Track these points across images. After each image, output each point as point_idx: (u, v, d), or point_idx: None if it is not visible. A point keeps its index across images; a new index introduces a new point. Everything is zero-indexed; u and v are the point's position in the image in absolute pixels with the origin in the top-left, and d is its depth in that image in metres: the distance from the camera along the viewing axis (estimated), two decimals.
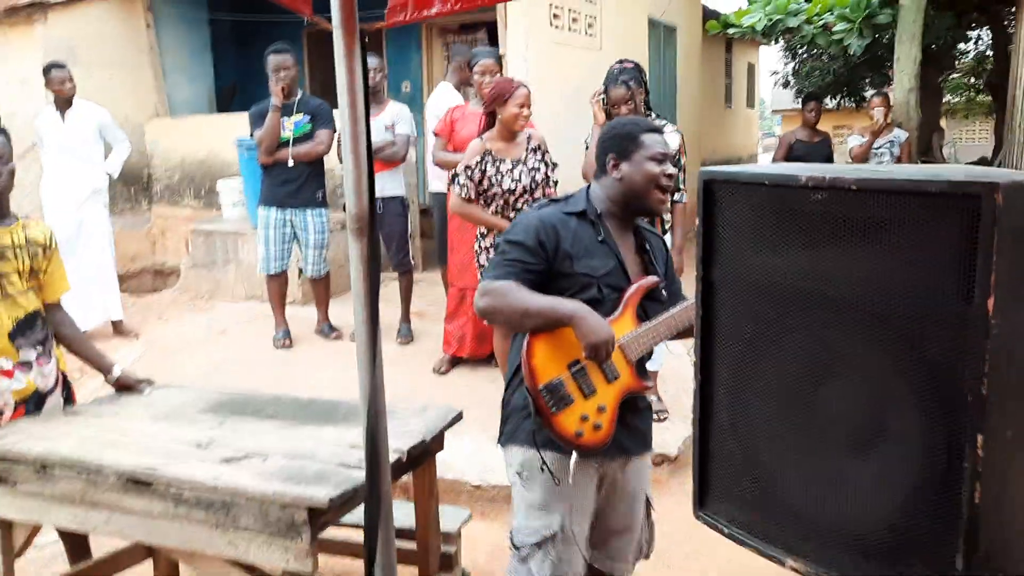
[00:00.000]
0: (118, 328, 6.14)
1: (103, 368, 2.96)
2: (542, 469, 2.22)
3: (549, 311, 2.17)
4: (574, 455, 2.24)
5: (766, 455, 1.49)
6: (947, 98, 14.96)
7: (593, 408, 2.20)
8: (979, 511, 1.19)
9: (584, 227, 2.31)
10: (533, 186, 4.02)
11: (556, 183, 4.15)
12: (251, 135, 5.58)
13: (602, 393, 2.22)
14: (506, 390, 2.42)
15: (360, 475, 2.14)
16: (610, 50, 7.33)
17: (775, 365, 1.45)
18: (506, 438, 2.38)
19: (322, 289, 5.81)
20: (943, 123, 14.34)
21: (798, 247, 1.37)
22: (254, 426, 2.61)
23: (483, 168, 4.03)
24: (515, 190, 4.00)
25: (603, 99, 4.21)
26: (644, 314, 2.32)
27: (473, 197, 4.06)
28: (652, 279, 2.35)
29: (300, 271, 6.17)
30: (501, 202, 4.03)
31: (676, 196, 4.21)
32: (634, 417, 2.35)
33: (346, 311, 6.10)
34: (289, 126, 5.41)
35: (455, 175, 4.12)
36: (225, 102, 9.18)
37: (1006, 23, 10.15)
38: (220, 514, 2.18)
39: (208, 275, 7.05)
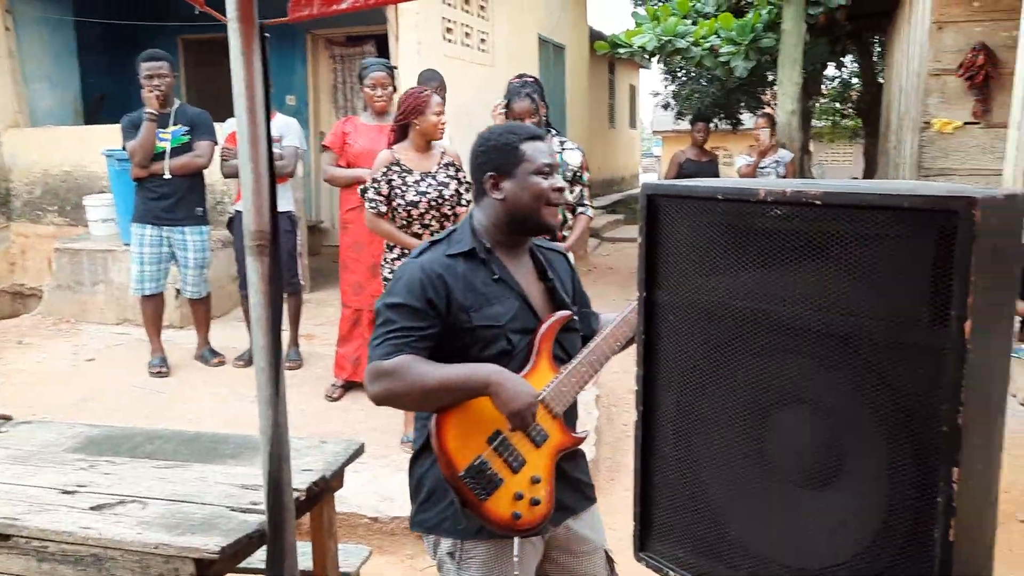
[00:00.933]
0: None
1: None
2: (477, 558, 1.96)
3: (460, 385, 1.85)
4: (516, 540, 1.96)
5: (715, 491, 1.39)
6: (812, 122, 15.79)
7: (526, 482, 1.90)
8: (952, 550, 1.12)
9: (474, 268, 1.97)
10: (440, 201, 3.86)
11: (469, 203, 4.00)
12: (123, 147, 5.24)
13: (533, 462, 1.92)
14: (413, 463, 2.07)
15: (254, 520, 1.99)
16: (502, 66, 7.29)
17: (725, 393, 1.35)
18: (427, 528, 2.02)
19: (202, 311, 5.49)
20: (811, 146, 15.07)
21: (753, 267, 1.27)
22: (130, 467, 2.39)
23: (389, 179, 3.85)
24: (418, 203, 3.83)
25: (504, 113, 4.11)
26: (563, 352, 2.04)
27: (384, 211, 3.88)
28: (563, 314, 2.04)
29: (177, 292, 5.82)
30: (404, 214, 3.85)
31: (581, 209, 4.22)
32: (573, 468, 2.08)
33: (228, 334, 5.85)
34: (165, 137, 5.09)
35: (364, 190, 3.93)
36: (93, 112, 8.63)
37: (873, 51, 10.72)
38: (92, 570, 1.97)
39: (74, 297, 6.59)
